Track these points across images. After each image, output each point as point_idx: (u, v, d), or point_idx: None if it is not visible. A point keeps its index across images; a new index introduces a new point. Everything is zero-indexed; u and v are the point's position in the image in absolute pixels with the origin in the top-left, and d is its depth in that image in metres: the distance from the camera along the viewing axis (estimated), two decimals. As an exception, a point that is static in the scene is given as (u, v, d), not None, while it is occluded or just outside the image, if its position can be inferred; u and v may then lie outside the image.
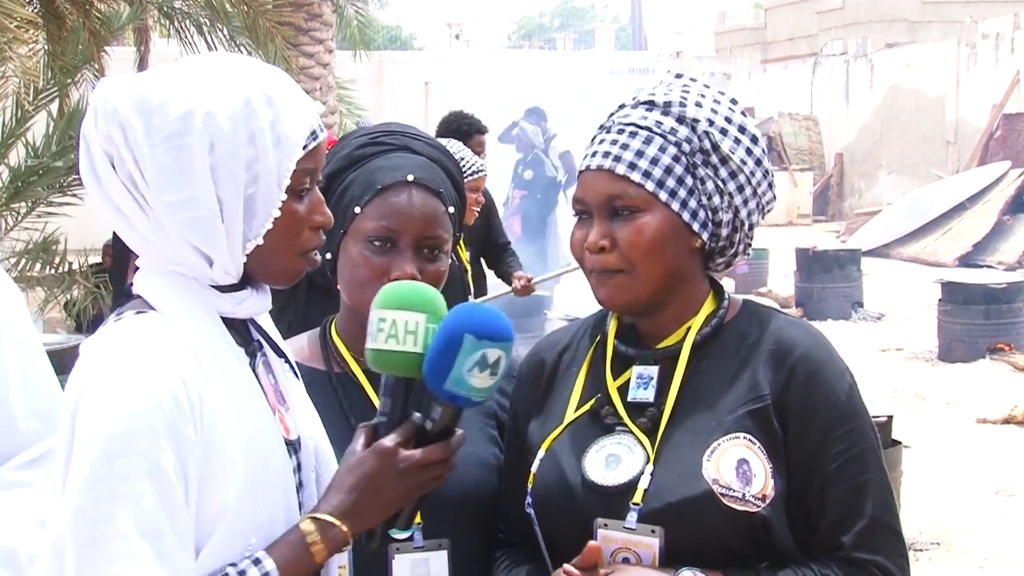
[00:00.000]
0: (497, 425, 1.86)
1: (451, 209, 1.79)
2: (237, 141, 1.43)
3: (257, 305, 1.54)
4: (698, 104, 1.70)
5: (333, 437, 1.73)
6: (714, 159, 1.68)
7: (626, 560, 1.63)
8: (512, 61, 25.02)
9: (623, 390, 1.72)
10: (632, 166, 1.66)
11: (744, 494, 1.59)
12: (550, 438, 1.74)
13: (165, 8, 11.87)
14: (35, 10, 10.14)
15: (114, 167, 1.43)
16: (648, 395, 1.70)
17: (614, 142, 1.69)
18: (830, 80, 24.10)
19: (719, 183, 1.68)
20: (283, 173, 1.46)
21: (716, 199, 1.68)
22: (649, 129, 1.68)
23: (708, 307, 1.74)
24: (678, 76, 1.78)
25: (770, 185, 1.75)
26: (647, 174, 1.66)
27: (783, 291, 13.36)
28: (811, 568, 1.61)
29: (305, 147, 1.48)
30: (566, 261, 13.19)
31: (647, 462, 1.65)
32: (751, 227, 1.74)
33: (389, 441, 1.47)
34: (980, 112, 19.97)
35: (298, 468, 1.57)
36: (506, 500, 1.80)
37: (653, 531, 1.61)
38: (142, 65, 12.05)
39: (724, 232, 1.71)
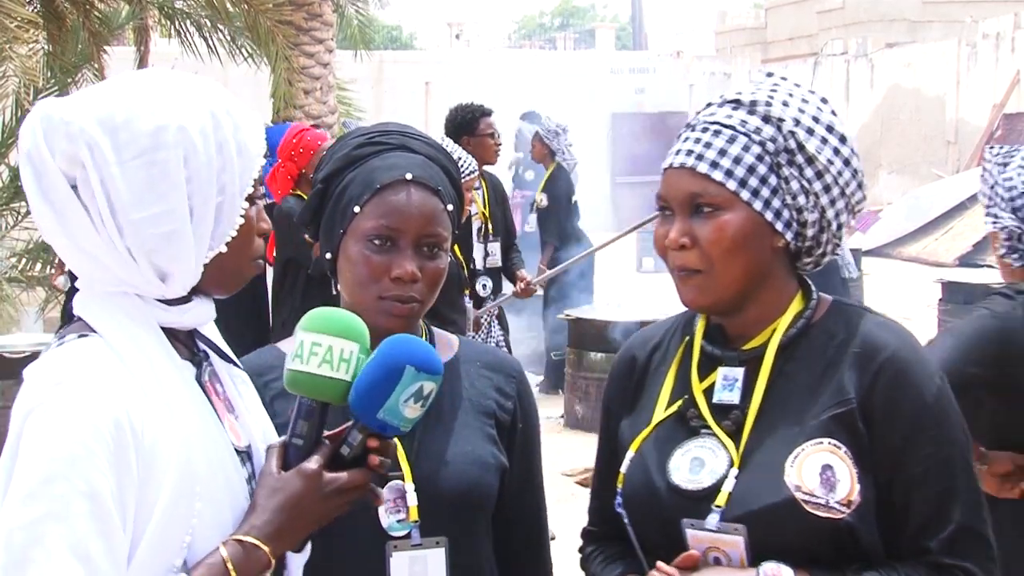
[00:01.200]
0: (496, 425, 1.86)
1: (450, 207, 1.80)
2: (209, 152, 1.44)
3: (202, 314, 1.54)
4: (785, 103, 1.69)
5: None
6: (799, 159, 1.67)
7: (717, 560, 1.64)
8: (512, 61, 25.01)
9: (710, 391, 1.72)
10: (714, 164, 1.66)
11: (828, 501, 1.58)
12: (639, 439, 1.75)
13: (166, 8, 11.86)
14: (35, 10, 10.12)
15: (76, 188, 1.41)
16: (733, 397, 1.70)
17: (697, 140, 1.69)
18: (830, 80, 24.09)
19: (804, 183, 1.67)
20: (246, 181, 1.49)
21: (801, 199, 1.67)
22: (733, 128, 1.68)
23: (795, 307, 1.73)
24: (769, 75, 1.77)
25: (860, 185, 1.72)
26: (729, 173, 1.66)
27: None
28: (897, 571, 1.60)
29: (262, 156, 1.52)
30: (567, 258, 13.21)
31: (731, 466, 1.65)
32: (839, 227, 1.72)
33: (313, 464, 1.47)
34: (980, 112, 19.97)
35: (252, 476, 1.56)
36: (597, 496, 1.83)
37: (736, 529, 1.61)
38: (142, 65, 12.04)
39: (810, 232, 1.69)
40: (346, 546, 1.73)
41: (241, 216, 1.49)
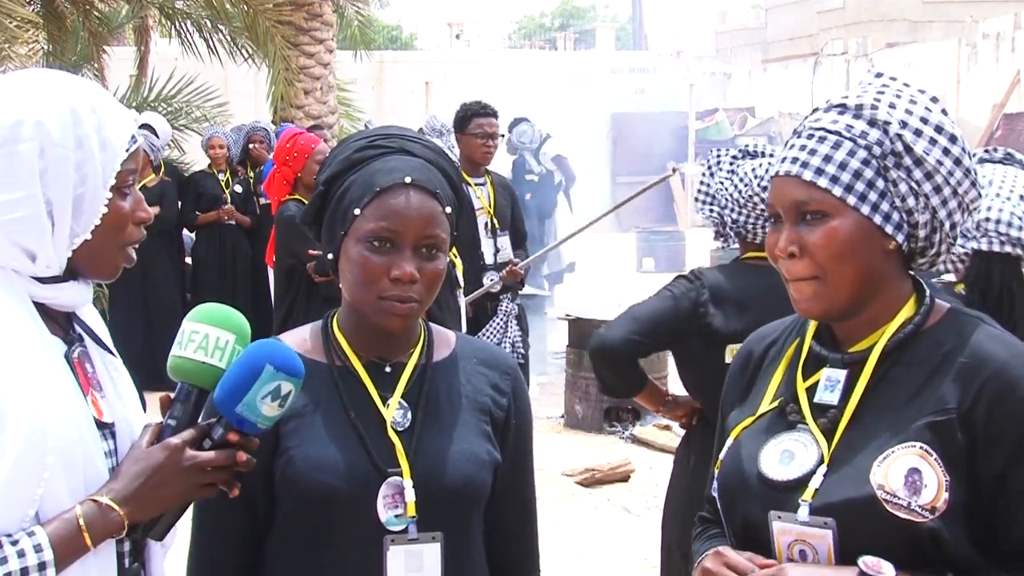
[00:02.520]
0: (491, 421, 1.89)
1: (448, 209, 1.82)
2: (66, 146, 1.56)
3: (77, 296, 1.66)
4: (891, 106, 1.68)
5: (332, 428, 1.77)
6: (907, 161, 1.66)
7: (802, 553, 1.64)
8: (513, 61, 25.01)
9: (813, 391, 1.73)
10: (819, 171, 1.66)
11: (910, 503, 1.57)
12: (739, 427, 1.78)
13: (166, 8, 11.86)
14: (35, 10, 10.12)
15: None
16: (833, 398, 1.70)
17: (803, 147, 1.69)
18: (831, 80, 24.11)
19: (913, 184, 1.66)
20: (109, 173, 1.60)
21: (911, 200, 1.66)
22: (839, 133, 1.68)
23: (906, 312, 1.72)
24: (878, 75, 1.77)
25: (973, 184, 1.70)
26: (835, 179, 1.65)
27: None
28: None
29: (128, 150, 1.63)
30: (568, 263, 13.21)
31: (820, 462, 1.66)
32: (953, 226, 1.71)
33: (177, 439, 1.58)
34: (981, 112, 19.98)
35: (114, 452, 1.66)
36: (709, 483, 1.85)
37: (826, 523, 1.62)
38: (142, 65, 12.05)
39: (922, 233, 1.69)
40: (344, 540, 1.76)
41: (105, 206, 1.60)
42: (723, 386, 1.96)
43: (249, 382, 1.56)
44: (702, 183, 3.37)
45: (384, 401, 1.81)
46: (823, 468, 1.65)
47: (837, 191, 1.65)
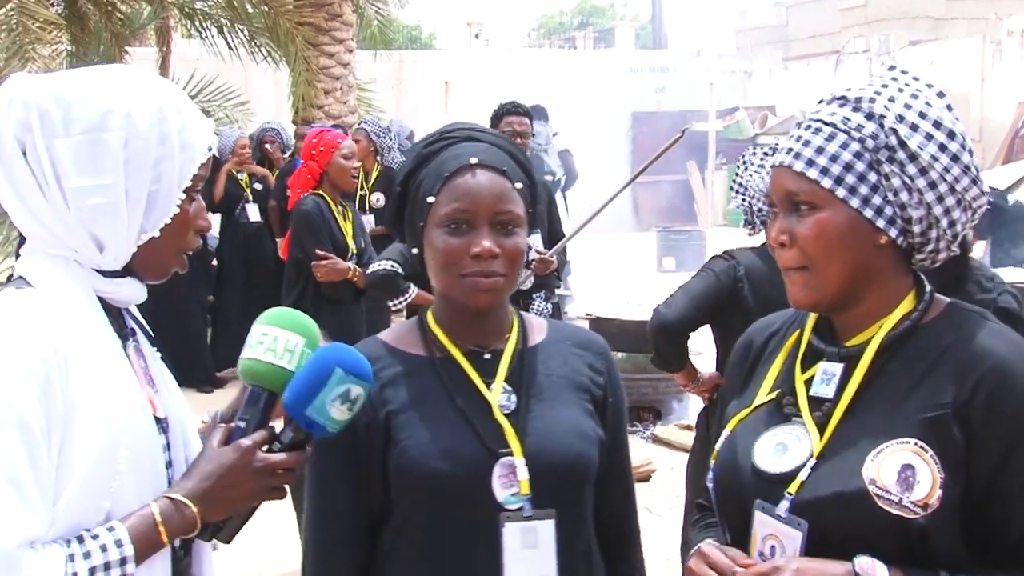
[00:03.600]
0: (591, 400, 1.94)
1: (518, 185, 1.87)
2: (150, 140, 1.59)
3: (135, 293, 1.68)
4: (891, 99, 1.68)
5: (440, 417, 1.83)
6: (901, 155, 1.65)
7: (772, 549, 1.66)
8: (532, 60, 25.01)
9: (811, 383, 1.74)
10: (810, 162, 1.67)
11: (901, 499, 1.57)
12: (736, 419, 1.80)
13: (186, 8, 11.92)
14: (58, 11, 10.19)
15: (24, 153, 1.56)
16: (828, 391, 1.71)
17: (798, 139, 1.71)
18: (852, 78, 24.01)
19: (907, 180, 1.66)
20: (186, 174, 1.64)
21: (904, 195, 1.66)
22: (834, 125, 1.69)
23: (904, 307, 1.72)
24: (891, 68, 1.77)
25: (973, 181, 1.68)
26: (824, 171, 1.66)
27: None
28: None
29: (205, 156, 1.67)
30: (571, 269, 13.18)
31: (812, 456, 1.66)
32: (952, 223, 1.69)
33: (248, 440, 1.62)
34: (1006, 109, 19.86)
35: (167, 447, 1.68)
36: (705, 471, 1.87)
37: (799, 523, 1.62)
38: (164, 65, 12.12)
39: (917, 228, 1.68)
40: (461, 522, 1.82)
41: (177, 207, 1.63)
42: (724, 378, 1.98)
43: (319, 385, 1.60)
44: (737, 175, 3.87)
45: (488, 386, 1.86)
46: (812, 461, 1.66)
47: (826, 183, 1.66)
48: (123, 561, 1.50)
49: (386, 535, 1.87)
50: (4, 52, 9.14)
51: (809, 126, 1.72)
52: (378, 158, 8.24)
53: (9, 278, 1.66)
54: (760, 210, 3.72)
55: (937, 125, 1.67)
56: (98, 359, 1.56)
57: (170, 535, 1.56)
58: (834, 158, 1.67)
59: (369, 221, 7.54)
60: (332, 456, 1.83)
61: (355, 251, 5.29)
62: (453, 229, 1.84)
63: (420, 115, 18.56)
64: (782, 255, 1.72)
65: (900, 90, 1.70)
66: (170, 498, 1.57)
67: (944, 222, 1.68)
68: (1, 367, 1.46)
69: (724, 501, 1.78)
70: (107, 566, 1.49)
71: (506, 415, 1.84)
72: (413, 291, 4.81)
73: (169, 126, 1.60)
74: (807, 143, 1.69)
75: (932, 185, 1.66)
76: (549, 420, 1.88)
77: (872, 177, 1.66)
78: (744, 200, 3.82)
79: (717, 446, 1.81)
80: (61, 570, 1.45)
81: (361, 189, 7.91)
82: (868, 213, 1.66)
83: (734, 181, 3.88)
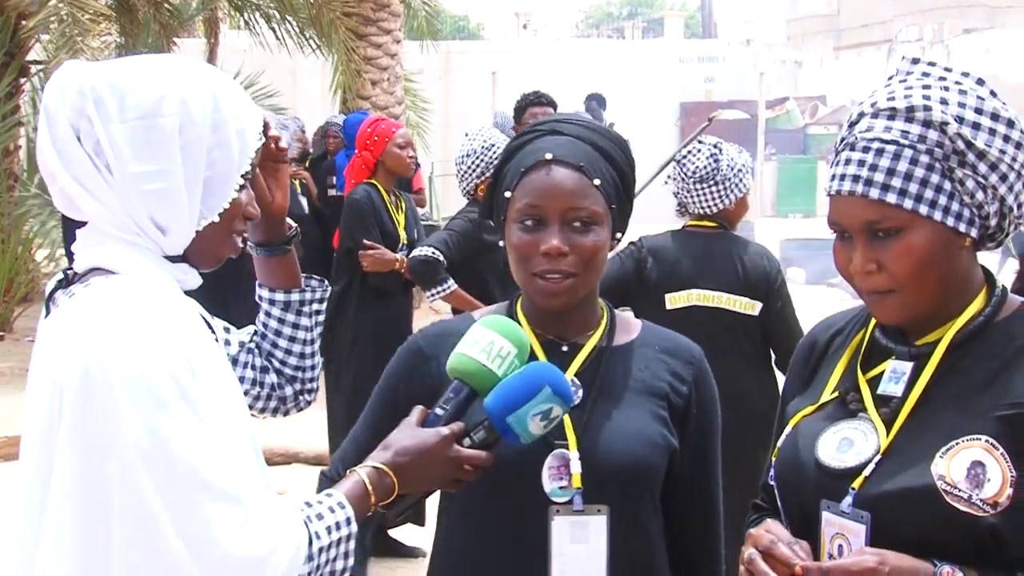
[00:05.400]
0: (668, 407, 1.92)
1: (596, 181, 1.85)
2: (204, 127, 1.59)
3: (196, 279, 1.68)
4: (943, 101, 1.64)
5: None
6: (970, 157, 1.61)
7: (840, 548, 1.63)
8: (580, 50, 24.96)
9: (877, 381, 1.72)
10: (885, 187, 1.62)
11: (971, 496, 1.54)
12: (799, 415, 1.77)
13: (235, 0, 12.00)
14: (108, 3, 10.30)
15: (79, 139, 1.55)
16: (897, 390, 1.68)
17: (861, 163, 1.64)
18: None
19: (980, 179, 1.62)
20: (243, 161, 1.64)
21: (979, 195, 1.62)
22: (896, 142, 1.63)
23: (977, 304, 1.69)
24: (915, 62, 1.73)
25: None
26: (903, 192, 1.61)
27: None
28: None
29: (257, 144, 1.68)
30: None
31: (878, 451, 1.64)
32: (1020, 206, 1.67)
33: (447, 429, 1.68)
34: (1062, 99, 19.52)
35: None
36: (766, 472, 1.85)
37: (862, 516, 1.60)
38: (212, 56, 12.21)
39: (993, 222, 1.66)
40: (510, 509, 1.83)
41: (235, 192, 1.63)
42: (786, 376, 1.94)
43: (526, 397, 1.66)
44: (674, 169, 4.17)
45: None
46: (878, 457, 1.63)
47: (908, 204, 1.61)
48: (348, 521, 1.59)
49: (441, 509, 1.89)
50: (53, 43, 9.25)
51: (867, 147, 1.65)
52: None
53: (65, 274, 1.63)
54: (676, 195, 4.09)
55: (995, 117, 1.64)
56: (210, 346, 1.57)
57: (377, 500, 1.63)
58: (908, 177, 1.61)
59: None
60: (393, 405, 1.85)
61: (406, 242, 5.25)
62: (528, 226, 1.85)
63: (467, 106, 18.58)
64: (867, 281, 1.66)
65: (946, 88, 1.66)
66: (374, 467, 1.65)
67: (1016, 209, 1.66)
68: (151, 384, 1.42)
69: (786, 497, 1.75)
70: (338, 525, 1.58)
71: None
72: (451, 285, 4.70)
73: (223, 115, 1.61)
74: (874, 167, 1.63)
75: (1003, 178, 1.63)
76: (614, 419, 1.86)
77: (947, 186, 1.62)
78: (678, 191, 4.11)
79: (779, 443, 1.78)
80: (304, 532, 1.53)
81: None
82: (951, 222, 1.62)
83: (669, 176, 4.17)
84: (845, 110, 23.50)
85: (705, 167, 4.03)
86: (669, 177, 4.18)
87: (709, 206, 4.07)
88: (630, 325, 2.00)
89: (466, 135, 4.93)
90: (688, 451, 1.92)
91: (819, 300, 11.16)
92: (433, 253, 4.67)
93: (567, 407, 1.70)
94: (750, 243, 4.26)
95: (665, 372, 1.93)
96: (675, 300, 4.00)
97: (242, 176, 1.64)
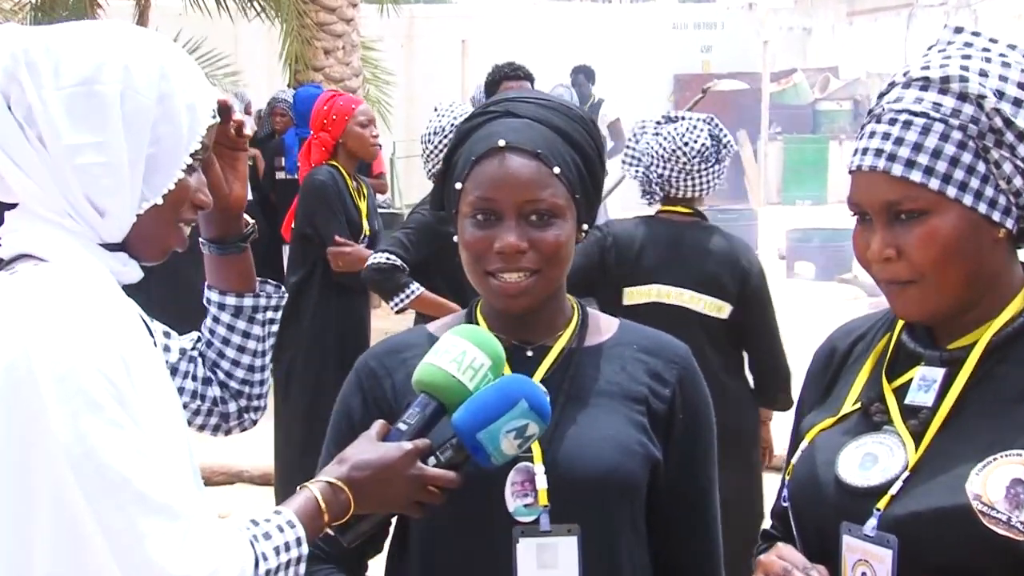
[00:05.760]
0: (648, 413, 1.90)
1: (556, 170, 1.83)
2: (148, 98, 1.59)
3: (136, 272, 1.67)
4: (982, 72, 1.62)
5: None
6: (1009, 137, 1.61)
7: (864, 575, 1.63)
8: (561, 16, 24.94)
9: (904, 390, 1.71)
10: (910, 164, 1.61)
11: (1010, 518, 1.54)
12: (816, 428, 1.77)
13: (168, -43, 11.92)
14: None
15: (9, 107, 1.55)
16: (927, 399, 1.68)
17: (886, 136, 1.64)
18: (927, 35, 23.83)
19: (1019, 163, 1.61)
20: (192, 139, 1.64)
21: (1017, 181, 1.62)
22: (926, 115, 1.62)
23: (1016, 305, 1.68)
24: (957, 31, 1.72)
25: None
26: (929, 170, 1.61)
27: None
28: None
29: (209, 124, 1.68)
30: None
31: (906, 468, 1.63)
32: None
33: (411, 445, 1.69)
34: (1101, 71, 19.69)
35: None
36: (778, 494, 1.86)
37: (888, 540, 1.60)
38: (143, 19, 12.14)
39: None
40: (472, 530, 1.82)
41: (182, 172, 1.64)
42: (802, 384, 1.94)
43: (499, 412, 1.67)
44: (628, 147, 4.18)
45: None
46: (906, 474, 1.63)
47: (934, 184, 1.60)
48: (299, 541, 1.60)
49: (392, 537, 1.89)
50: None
51: (894, 119, 1.65)
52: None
53: None
54: (661, 176, 4.04)
55: None
56: (149, 360, 1.56)
57: (331, 518, 1.65)
58: (936, 154, 1.61)
59: None
60: (351, 437, 1.84)
61: (368, 233, 5.22)
62: (480, 221, 1.83)
63: (433, 79, 18.55)
64: (886, 269, 1.67)
65: (988, 60, 1.65)
66: (328, 481, 1.66)
67: None
68: (85, 385, 1.42)
69: (802, 520, 1.75)
70: (287, 546, 1.58)
71: None
72: (415, 290, 4.59)
73: (172, 85, 1.61)
74: (900, 140, 1.63)
75: None
76: (583, 426, 1.85)
77: (981, 167, 1.61)
78: (639, 172, 4.11)
79: (793, 460, 1.78)
80: (250, 553, 1.54)
81: None
82: (982, 208, 1.61)
83: (626, 154, 4.17)
84: (860, 83, 23.60)
85: (706, 145, 4.00)
86: (630, 159, 4.17)
87: (699, 188, 4.06)
88: (605, 324, 1.99)
89: (435, 110, 4.88)
90: (675, 462, 1.90)
91: (829, 298, 11.23)
92: (388, 259, 4.58)
93: (544, 425, 1.70)
94: (729, 236, 4.19)
95: (644, 374, 1.92)
96: (633, 295, 4.02)
97: (192, 156, 1.64)
